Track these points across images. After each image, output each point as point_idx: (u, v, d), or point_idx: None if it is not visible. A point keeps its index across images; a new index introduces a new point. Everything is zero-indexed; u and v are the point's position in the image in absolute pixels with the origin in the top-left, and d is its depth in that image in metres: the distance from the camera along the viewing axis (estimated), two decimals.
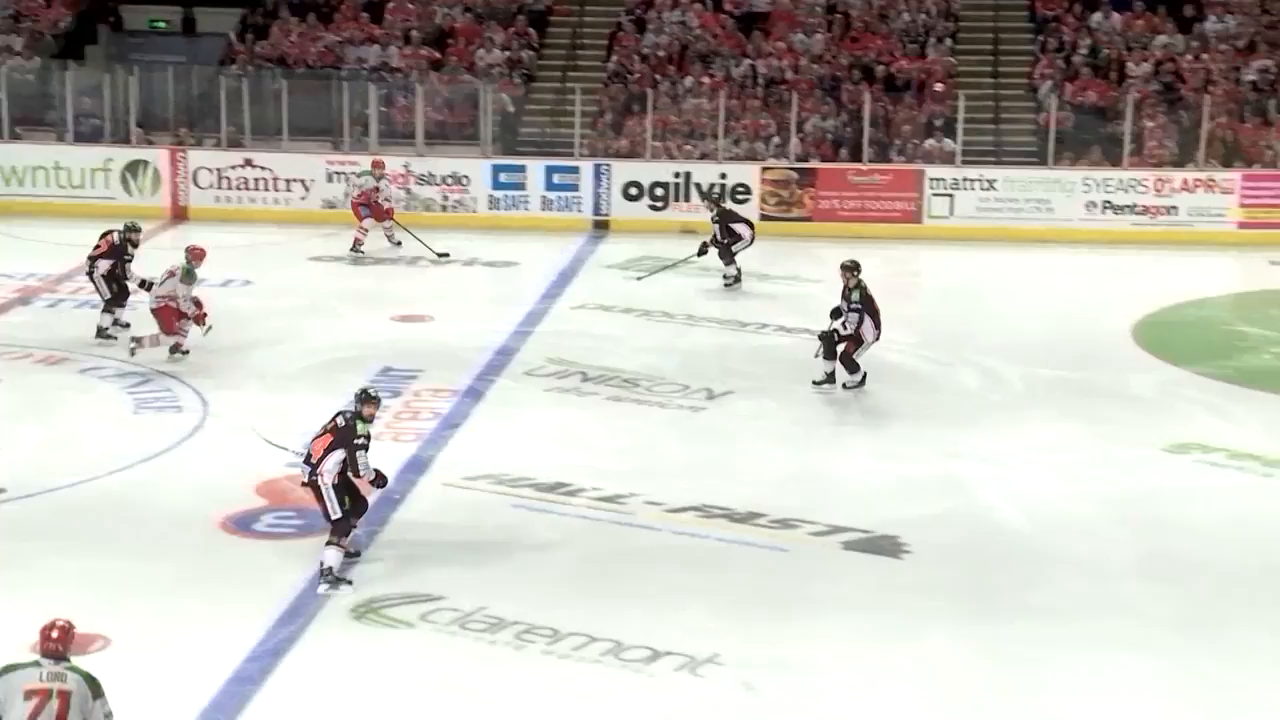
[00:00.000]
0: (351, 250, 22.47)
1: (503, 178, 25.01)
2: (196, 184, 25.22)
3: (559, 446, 14.61)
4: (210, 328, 16.94)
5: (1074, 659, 10.41)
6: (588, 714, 9.77)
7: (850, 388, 16.16)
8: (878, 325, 16.11)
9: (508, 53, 27.53)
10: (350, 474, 11.51)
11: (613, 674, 10.19)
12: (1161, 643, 10.67)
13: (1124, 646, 10.60)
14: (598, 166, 24.90)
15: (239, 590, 11.31)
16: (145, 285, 17.45)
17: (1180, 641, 10.69)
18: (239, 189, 25.17)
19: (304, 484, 11.72)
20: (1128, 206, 24.01)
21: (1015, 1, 27.95)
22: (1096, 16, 26.92)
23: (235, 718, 9.50)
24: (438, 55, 27.57)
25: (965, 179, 24.31)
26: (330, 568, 11.37)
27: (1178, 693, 10.03)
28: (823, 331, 16.16)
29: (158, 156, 25.43)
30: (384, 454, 14.15)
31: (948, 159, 24.68)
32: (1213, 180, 24.03)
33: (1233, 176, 24.09)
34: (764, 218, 24.35)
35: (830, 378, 16.19)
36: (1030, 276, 21.65)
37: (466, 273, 21.97)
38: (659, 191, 24.74)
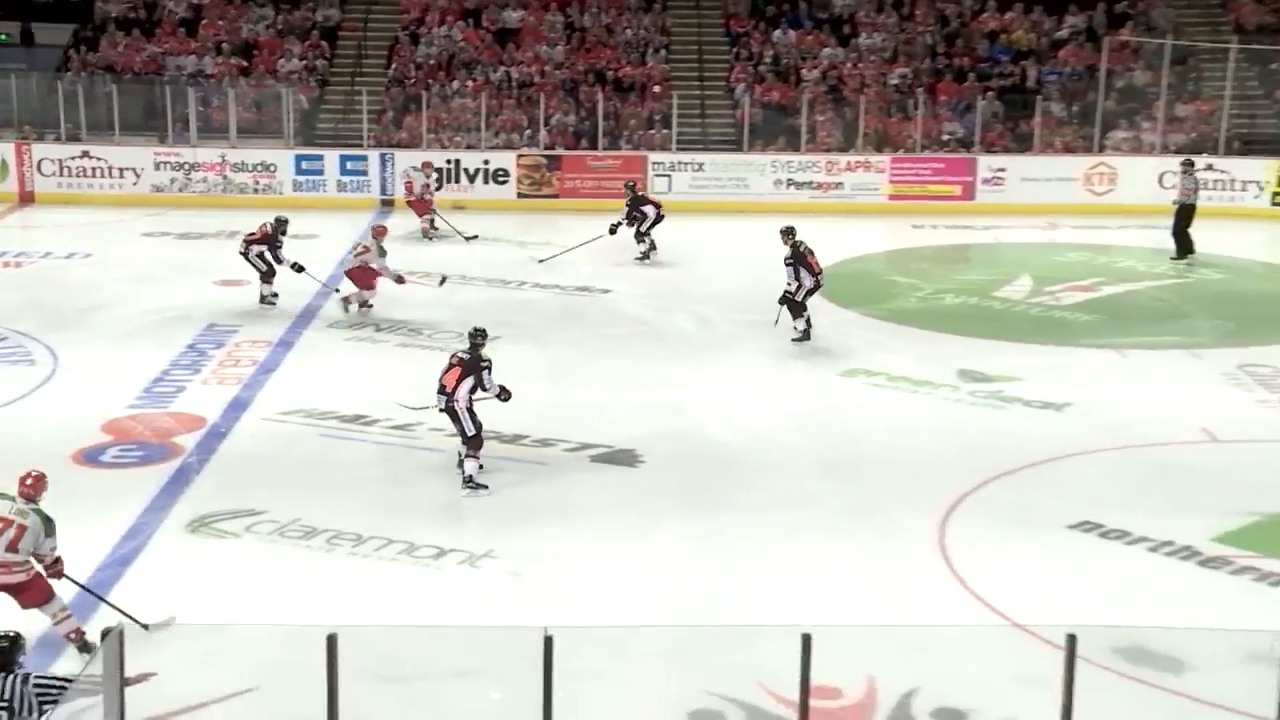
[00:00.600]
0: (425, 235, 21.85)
1: (304, 165, 24.43)
2: (40, 172, 24.09)
3: (358, 385, 14.32)
4: (445, 279, 17.63)
5: (774, 544, 10.61)
6: (389, 600, 9.63)
7: (796, 339, 15.74)
8: (814, 274, 15.80)
9: (304, 61, 26.76)
10: (481, 391, 11.58)
11: (407, 569, 10.07)
12: (839, 526, 10.92)
13: (810, 531, 10.84)
14: (383, 155, 24.45)
15: (90, 512, 10.83)
16: (297, 267, 17.20)
17: (853, 524, 10.94)
18: (79, 176, 24.10)
19: (441, 410, 11.61)
20: (805, 183, 24.47)
21: (714, 21, 28.12)
22: (777, 33, 27.27)
23: (90, 616, 9.11)
24: (245, 64, 26.67)
25: (679, 162, 24.48)
26: (470, 476, 11.44)
27: (852, 563, 10.30)
28: (780, 296, 15.80)
29: (7, 150, 24.17)
30: (211, 396, 13.78)
31: (665, 146, 24.82)
32: (869, 162, 24.60)
33: (883, 159, 24.69)
34: (520, 195, 24.27)
35: (806, 334, 15.80)
36: (732, 241, 21.93)
37: None
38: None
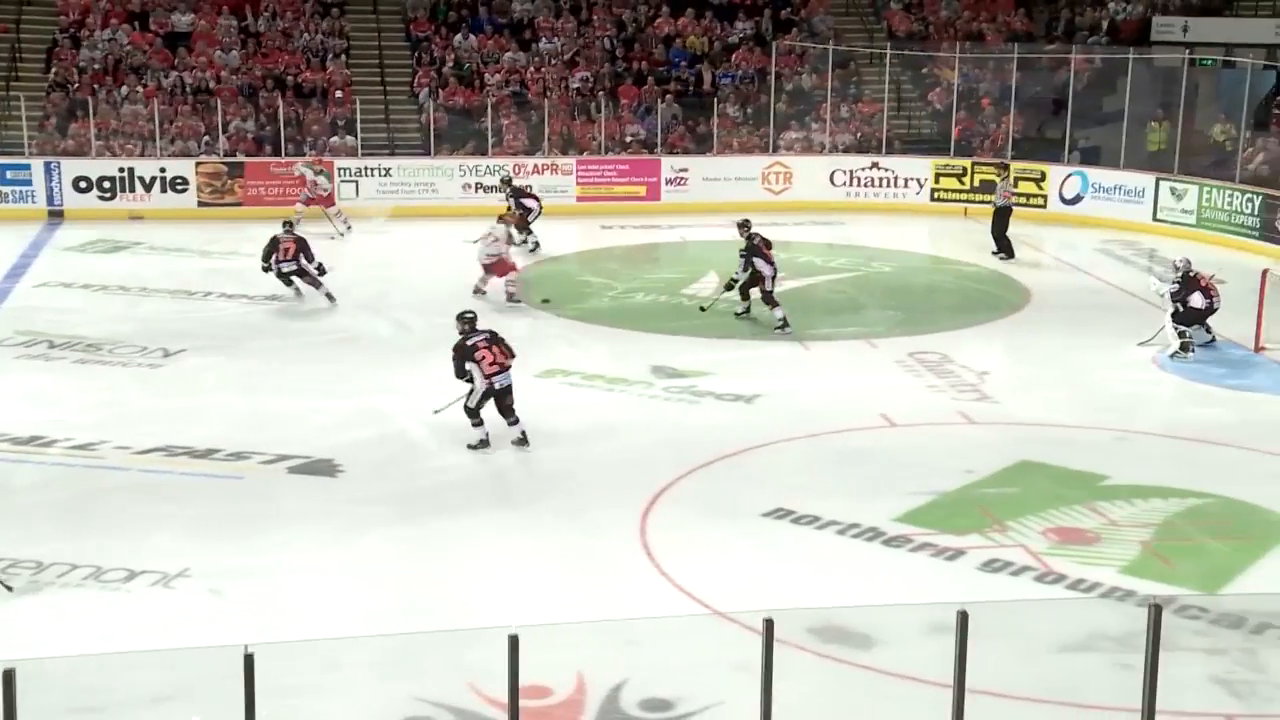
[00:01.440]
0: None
1: None
2: None
3: (31, 406, 13.51)
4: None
5: (480, 545, 10.59)
6: (72, 631, 9.11)
7: (779, 328, 16.41)
8: (770, 263, 16.41)
9: None
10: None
11: (94, 594, 9.58)
12: (541, 526, 10.99)
13: (516, 532, 10.86)
14: (48, 164, 23.07)
15: None
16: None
17: (555, 522, 11.04)
18: None
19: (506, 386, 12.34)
20: (494, 186, 24.40)
21: (394, 26, 27.77)
22: (458, 37, 27.17)
23: None
24: None
25: (366, 168, 24.09)
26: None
27: (554, 562, 10.36)
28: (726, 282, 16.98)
29: None
30: None
31: (351, 152, 24.38)
32: (556, 165, 24.83)
33: (570, 161, 24.97)
34: (201, 204, 23.37)
35: (784, 323, 16.43)
36: (424, 245, 21.72)
37: None
38: (106, 184, 23.22)
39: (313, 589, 9.81)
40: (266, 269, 17.57)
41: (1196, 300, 15.60)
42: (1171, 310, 15.74)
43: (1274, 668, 8.96)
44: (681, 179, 25.09)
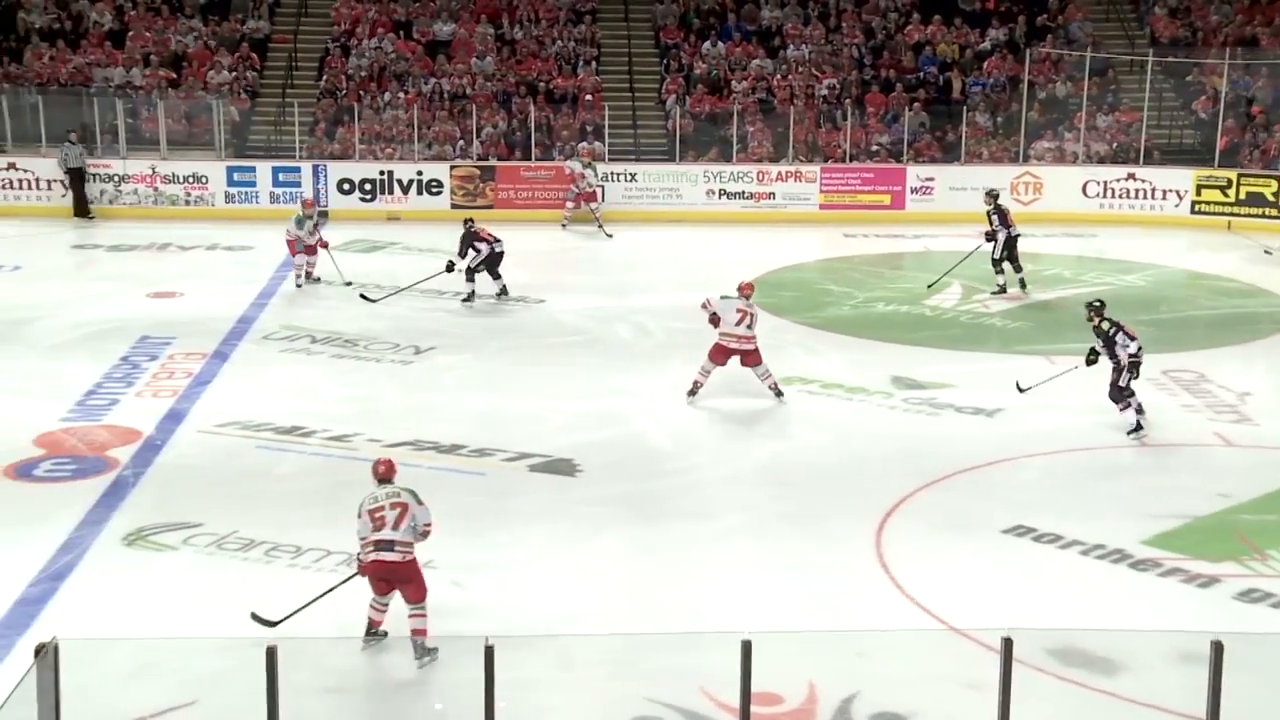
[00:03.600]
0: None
1: (236, 177, 24.13)
2: None
3: (294, 397, 14.17)
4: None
5: (713, 549, 10.63)
6: (330, 612, 9.49)
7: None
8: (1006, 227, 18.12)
9: (234, 73, 26.43)
10: None
11: None
12: (775, 533, 10.97)
13: (749, 538, 10.87)
14: (316, 167, 24.22)
15: (24, 526, 10.64)
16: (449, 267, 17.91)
17: (788, 530, 10.98)
18: (4, 188, 23.63)
19: None
20: (738, 193, 24.54)
21: (644, 33, 28.15)
22: (707, 45, 27.35)
23: (23, 633, 8.93)
24: (174, 75, 26.29)
25: (613, 173, 24.45)
26: None
27: (791, 569, 10.33)
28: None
29: None
30: (145, 409, 13.60)
31: (599, 157, 24.80)
32: (800, 172, 24.72)
33: (814, 169, 24.83)
34: (454, 206, 24.13)
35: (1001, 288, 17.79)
36: (667, 251, 21.95)
37: (210, 256, 21.08)
38: (368, 186, 24.23)
39: (549, 585, 10.01)
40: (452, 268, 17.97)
41: None
42: None
43: None
44: (927, 188, 24.67)
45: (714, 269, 18.06)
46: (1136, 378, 13.08)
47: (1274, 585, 9.92)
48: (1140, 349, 13.01)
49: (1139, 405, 13.14)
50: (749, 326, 13.86)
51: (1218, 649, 6.25)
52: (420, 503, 8.96)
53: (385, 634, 8.99)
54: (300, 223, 18.85)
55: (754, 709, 6.49)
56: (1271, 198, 23.53)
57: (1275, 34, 26.88)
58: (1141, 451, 12.89)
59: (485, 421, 13.42)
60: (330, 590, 9.20)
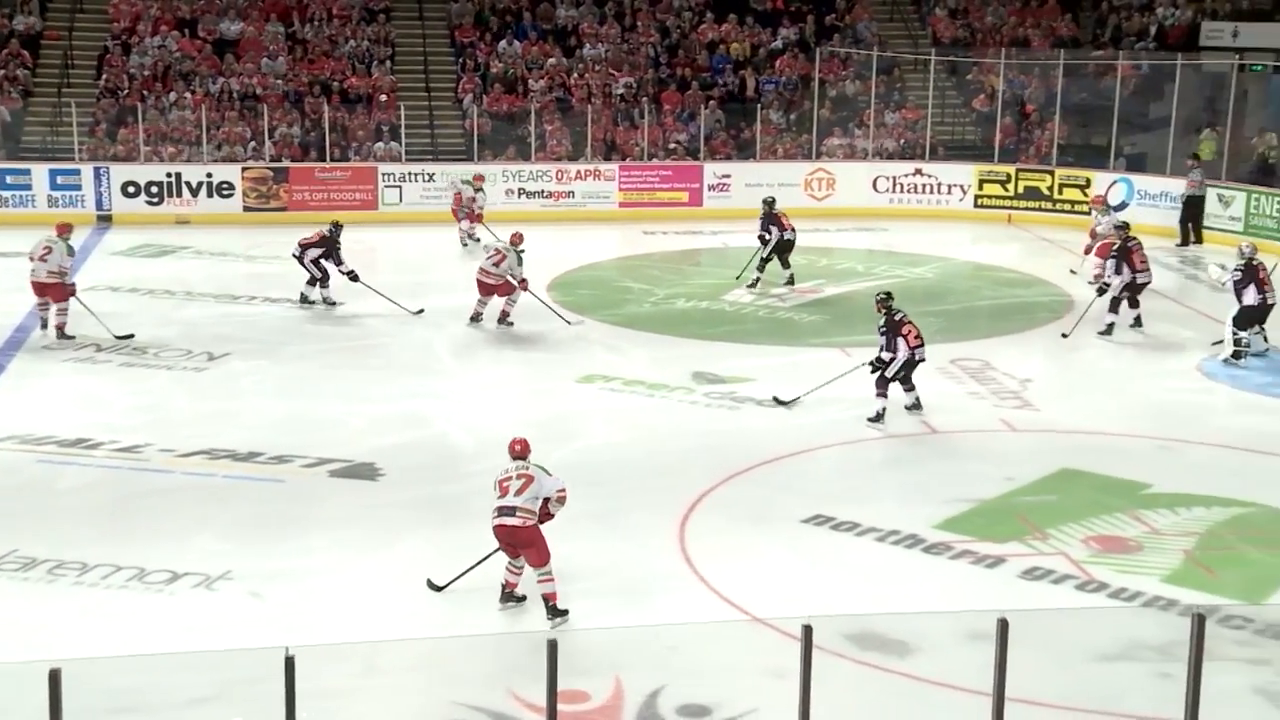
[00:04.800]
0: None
1: (9, 180, 23.13)
2: None
3: (78, 409, 13.64)
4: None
5: None
6: (117, 631, 9.19)
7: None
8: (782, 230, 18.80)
9: (4, 71, 25.27)
10: None
11: (137, 596, 9.66)
12: (580, 531, 10.86)
13: (553, 536, 10.69)
14: (97, 169, 23.35)
15: None
16: (352, 276, 17.59)
17: (593, 528, 10.94)
18: None
19: None
20: (537, 192, 24.56)
21: (439, 32, 27.92)
22: (503, 44, 27.28)
23: None
24: None
25: (410, 173, 24.23)
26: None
27: (595, 565, 10.33)
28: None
29: None
30: None
31: (395, 158, 24.52)
32: (599, 171, 24.87)
33: (613, 168, 25.01)
34: (247, 209, 23.59)
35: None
36: (466, 251, 21.78)
37: None
38: (154, 189, 23.50)
39: (353, 592, 9.86)
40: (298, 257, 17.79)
41: (1250, 296, 15.29)
42: (1234, 313, 15.41)
43: None
44: (724, 185, 25.09)
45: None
46: (905, 375, 13.53)
47: (1054, 563, 10.38)
48: (920, 346, 13.47)
49: (917, 399, 13.68)
50: (495, 265, 16.55)
51: (1003, 626, 6.51)
52: (550, 474, 9.66)
53: (523, 597, 9.60)
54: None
55: (561, 707, 6.49)
56: (1047, 191, 24.62)
57: (1045, 35, 28.12)
58: (932, 439, 13.34)
59: (283, 427, 13.14)
60: (485, 559, 9.70)
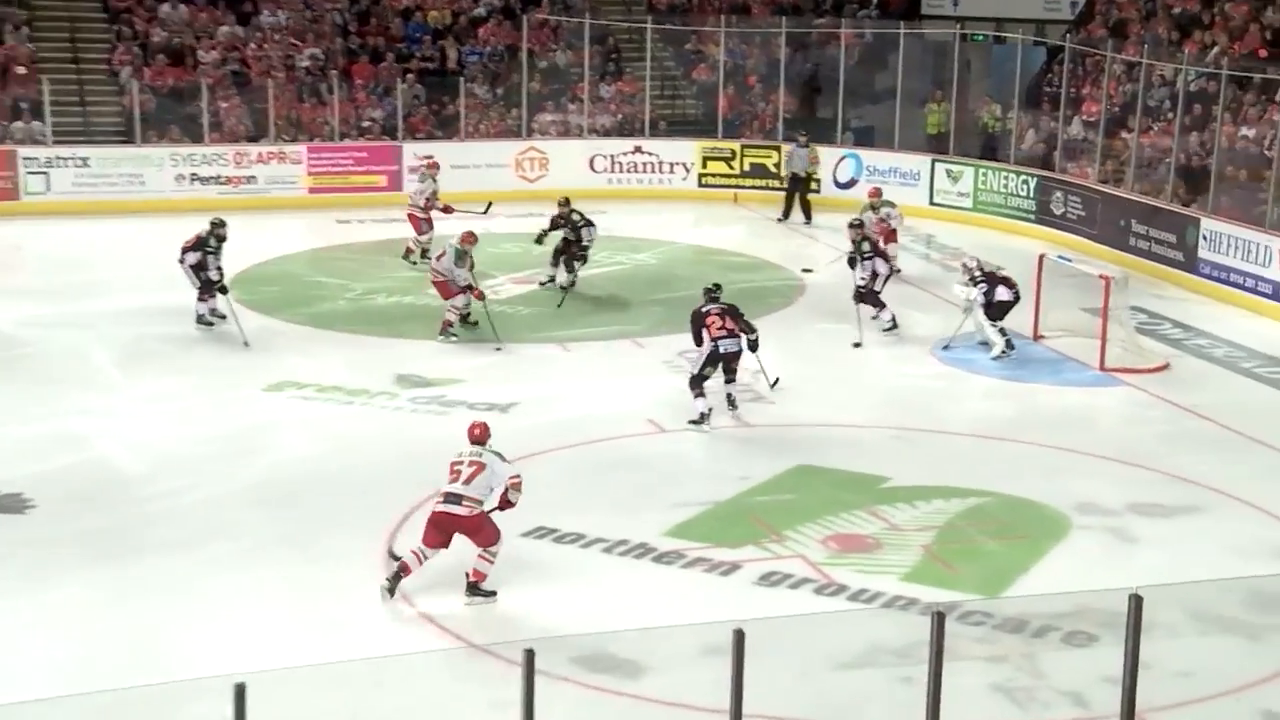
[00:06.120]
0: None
1: None
2: None
3: None
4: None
5: (197, 586, 10.27)
6: None
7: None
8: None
9: None
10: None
11: None
12: (271, 558, 10.74)
13: (239, 568, 10.57)
14: None
15: None
16: (221, 289, 16.52)
17: (286, 554, 10.79)
18: None
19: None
20: (213, 178, 23.84)
21: None
22: (165, 8, 26.31)
23: None
24: None
25: (59, 158, 23.15)
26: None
27: (288, 597, 10.15)
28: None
29: None
30: None
31: (39, 139, 23.39)
32: (283, 153, 24.33)
33: (299, 149, 24.51)
34: None
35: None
36: (127, 247, 20.94)
37: None
38: None
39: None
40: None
41: (1003, 294, 16.16)
42: (986, 312, 16.17)
43: (1053, 672, 9.36)
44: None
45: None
46: (711, 373, 13.90)
47: (792, 566, 10.68)
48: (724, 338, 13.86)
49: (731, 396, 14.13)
50: (438, 260, 16.51)
51: (739, 638, 6.63)
52: (505, 460, 10.12)
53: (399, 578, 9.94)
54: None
55: None
56: (773, 169, 25.33)
57: (766, 3, 28.96)
58: (660, 439, 13.54)
59: None
60: None
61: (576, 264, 18.72)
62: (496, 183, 24.56)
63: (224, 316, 16.67)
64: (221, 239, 16.73)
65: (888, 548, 11.09)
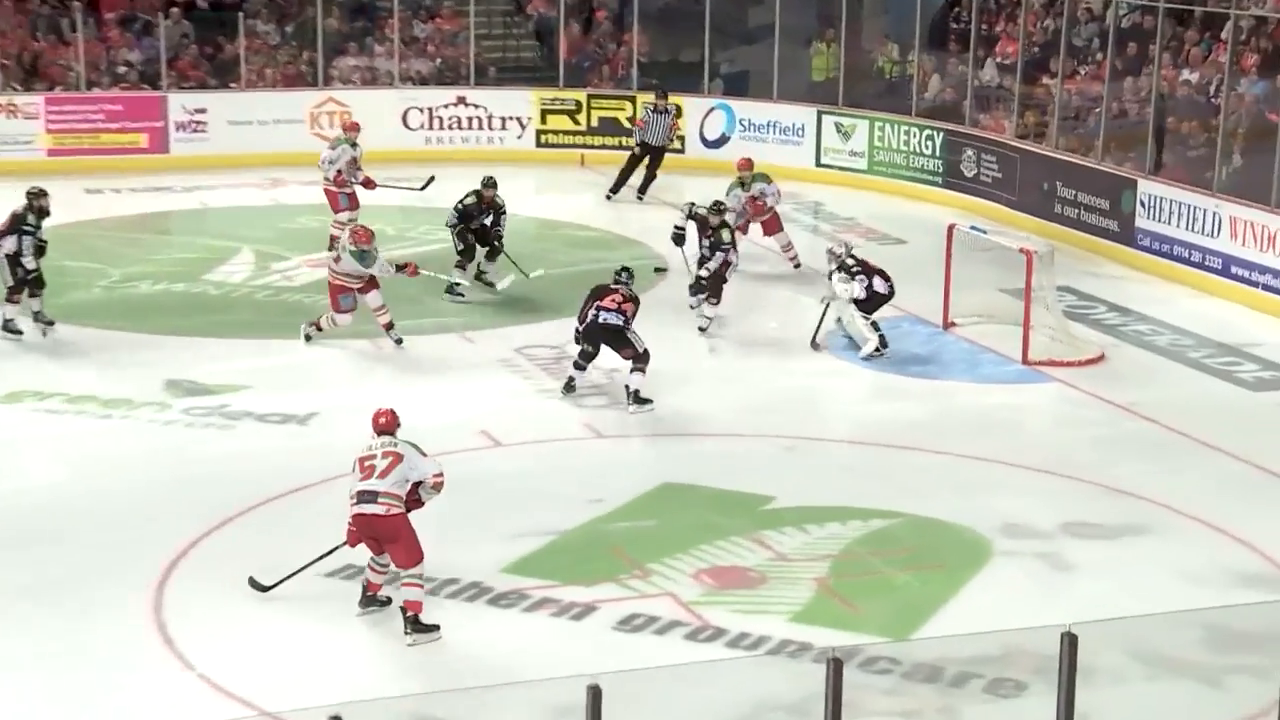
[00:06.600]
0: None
1: None
2: None
3: None
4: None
5: None
6: None
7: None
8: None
9: None
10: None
11: None
12: (11, 614, 10.53)
13: None
14: None
15: None
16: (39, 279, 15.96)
17: (29, 608, 10.63)
18: None
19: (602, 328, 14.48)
20: None
21: None
22: None
23: None
24: None
25: None
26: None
27: (38, 660, 9.96)
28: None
29: None
30: None
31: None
32: (15, 105, 23.94)
33: (35, 100, 24.17)
34: None
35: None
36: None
37: None
38: None
39: None
40: None
41: (879, 285, 16.32)
42: (858, 307, 16.29)
43: None
44: (199, 123, 24.71)
45: None
46: (592, 351, 14.76)
47: (658, 607, 10.75)
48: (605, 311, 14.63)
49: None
50: (336, 264, 16.30)
51: (594, 695, 6.66)
52: (424, 454, 10.41)
53: (387, 601, 10.47)
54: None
55: None
56: (627, 124, 25.38)
57: None
58: (496, 453, 13.56)
59: None
60: (322, 557, 10.56)
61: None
62: (286, 142, 24.43)
63: (52, 323, 16.35)
64: (43, 213, 16.24)
65: (774, 582, 11.21)
